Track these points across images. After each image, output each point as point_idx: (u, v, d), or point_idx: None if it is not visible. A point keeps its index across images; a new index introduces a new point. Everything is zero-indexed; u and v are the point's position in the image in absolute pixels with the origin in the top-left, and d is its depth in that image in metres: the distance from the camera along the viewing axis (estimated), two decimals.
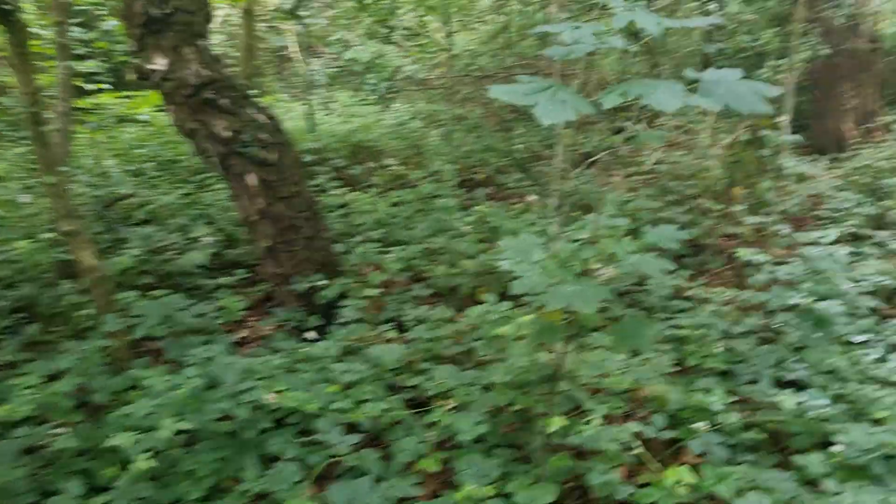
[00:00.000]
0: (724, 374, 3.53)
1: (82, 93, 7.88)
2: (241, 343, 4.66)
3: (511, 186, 8.20)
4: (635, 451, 2.73)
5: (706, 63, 9.55)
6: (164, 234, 4.74)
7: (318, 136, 9.12)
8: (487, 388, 3.24)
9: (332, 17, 16.72)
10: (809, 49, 8.38)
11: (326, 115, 12.25)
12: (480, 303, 4.96)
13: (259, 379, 3.48)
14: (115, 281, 4.17)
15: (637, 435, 2.78)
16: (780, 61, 10.28)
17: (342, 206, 6.35)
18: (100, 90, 8.27)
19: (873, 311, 4.05)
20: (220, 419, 3.05)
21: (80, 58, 8.03)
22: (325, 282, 4.44)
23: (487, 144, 9.08)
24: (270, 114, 4.39)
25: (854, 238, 5.57)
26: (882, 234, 5.55)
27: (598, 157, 8.43)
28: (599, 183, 7.00)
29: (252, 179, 4.27)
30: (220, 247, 5.47)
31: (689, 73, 2.03)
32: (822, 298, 3.66)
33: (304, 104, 11.00)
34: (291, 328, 4.46)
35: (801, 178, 5.19)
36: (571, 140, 8.08)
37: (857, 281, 4.09)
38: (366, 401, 3.33)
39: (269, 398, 3.10)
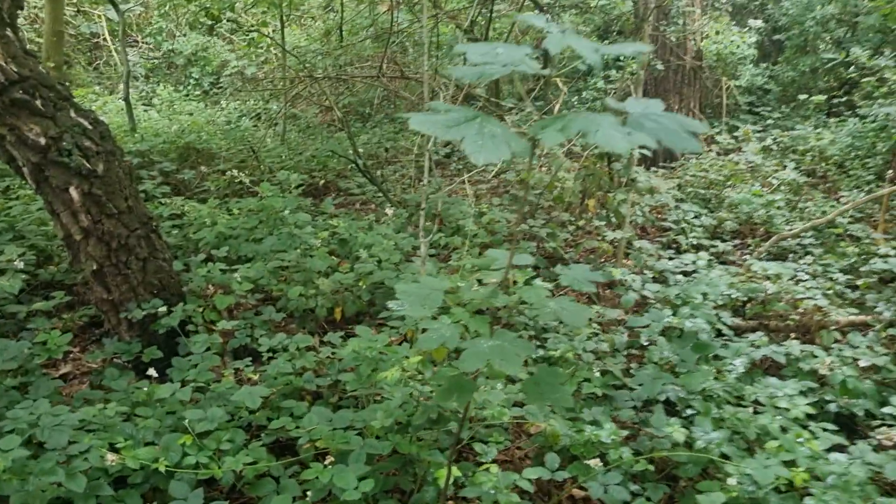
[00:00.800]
0: (604, 399, 3.45)
1: None
2: (63, 379, 4.04)
3: (355, 193, 7.89)
4: None
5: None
6: None
7: (141, 135, 8.32)
8: (363, 431, 2.94)
9: (149, 4, 15.55)
10: (642, 63, 8.71)
11: (147, 111, 11.30)
12: (337, 323, 4.66)
13: (92, 430, 2.98)
14: None
15: (535, 482, 2.59)
16: (612, 72, 10.69)
17: (176, 216, 5.76)
18: None
19: (728, 326, 4.16)
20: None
21: None
22: (164, 308, 3.93)
23: (329, 147, 8.69)
24: (95, 118, 3.81)
25: (697, 248, 5.79)
26: (721, 245, 5.80)
27: (443, 162, 8.32)
28: (449, 192, 6.85)
29: (75, 193, 3.69)
30: (31, 266, 4.75)
31: (611, 103, 1.84)
32: (688, 316, 3.68)
33: (121, 98, 10.04)
34: (125, 362, 3.92)
35: (650, 190, 5.30)
36: (417, 146, 7.90)
37: (711, 296, 4.17)
38: (224, 451, 2.93)
39: (109, 459, 2.62)
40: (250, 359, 3.68)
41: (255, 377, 3.44)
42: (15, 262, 3.95)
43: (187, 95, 13.20)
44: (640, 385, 3.37)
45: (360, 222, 5.94)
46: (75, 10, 14.27)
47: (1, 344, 3.37)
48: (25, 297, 4.66)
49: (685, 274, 5.05)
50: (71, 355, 4.33)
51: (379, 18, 11.86)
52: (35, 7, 12.98)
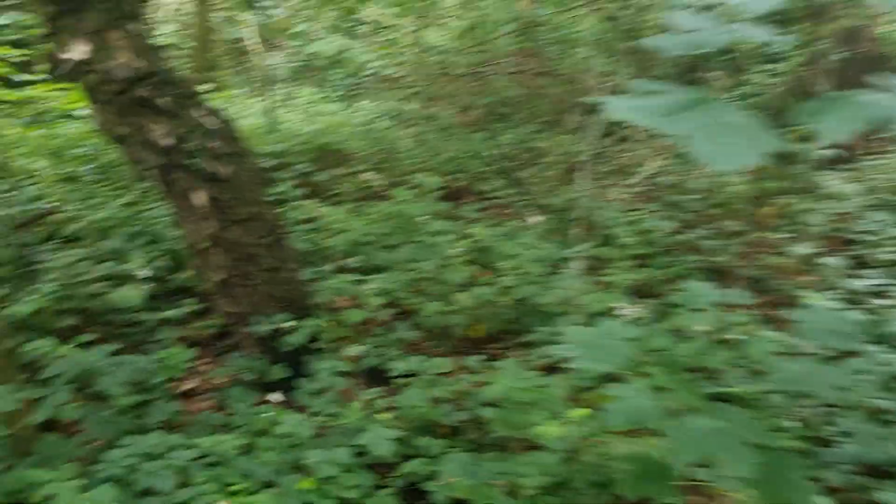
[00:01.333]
0: (803, 455, 2.80)
1: (10, 84, 6.93)
2: (187, 396, 3.83)
3: (495, 196, 7.43)
4: None
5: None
6: (90, 264, 3.86)
7: (279, 136, 8.24)
8: (511, 487, 2.46)
9: (292, 9, 15.80)
10: (813, 52, 7.77)
11: (288, 112, 11.33)
12: (478, 342, 4.22)
13: (209, 464, 2.68)
14: (20, 329, 3.30)
15: None
16: (773, 66, 9.68)
17: (309, 220, 5.51)
18: (31, 82, 7.33)
19: None
20: None
21: (13, 45, 7.10)
22: (291, 323, 3.62)
23: (470, 148, 8.29)
24: (223, 117, 3.54)
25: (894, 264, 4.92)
26: None
27: (588, 163, 7.71)
28: (597, 196, 6.26)
29: (200, 198, 3.43)
30: (164, 271, 4.59)
31: None
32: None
33: (263, 100, 10.10)
34: (250, 381, 3.63)
35: (839, 196, 4.53)
36: (564, 146, 7.37)
37: None
38: (349, 500, 2.54)
39: None
40: (380, 389, 3.29)
41: (387, 417, 3.02)
42: (139, 272, 3.76)
43: (327, 97, 13.25)
44: (852, 440, 2.70)
45: (500, 228, 5.47)
46: (223, 16, 14.67)
47: (125, 360, 3.14)
48: (157, 303, 4.51)
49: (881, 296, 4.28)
50: (198, 368, 4.12)
51: (520, 14, 11.39)
52: (186, 14, 13.39)
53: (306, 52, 15.27)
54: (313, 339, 3.73)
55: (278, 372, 3.56)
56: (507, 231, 5.41)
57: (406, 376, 3.41)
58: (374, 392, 3.21)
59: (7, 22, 7.58)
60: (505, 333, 4.33)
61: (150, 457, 2.35)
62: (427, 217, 4.96)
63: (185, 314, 4.23)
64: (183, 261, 4.90)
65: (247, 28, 14.78)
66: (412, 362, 3.46)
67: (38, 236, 4.34)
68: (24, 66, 7.16)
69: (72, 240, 4.65)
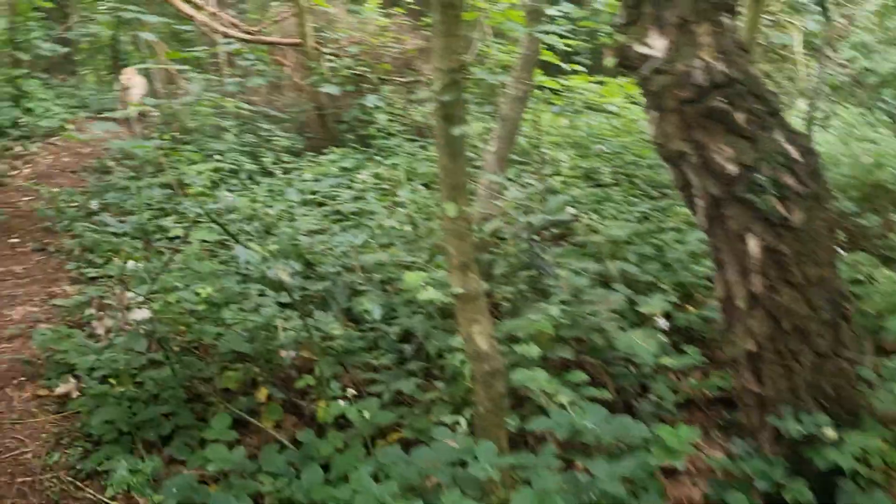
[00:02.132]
0: None
1: (558, 72, 7.07)
2: (669, 474, 3.14)
3: None
4: None
5: None
6: (603, 292, 3.39)
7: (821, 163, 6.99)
8: None
9: (852, 17, 13.89)
10: None
11: (825, 134, 9.83)
12: None
13: None
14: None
15: None
16: None
17: (857, 281, 4.35)
18: (573, 71, 7.40)
19: None
20: None
21: (563, 36, 7.25)
22: (833, 433, 2.66)
23: None
24: (808, 147, 2.69)
25: None
26: None
27: None
28: None
29: (753, 245, 2.65)
30: (670, 304, 3.96)
31: None
32: None
33: (800, 117, 8.81)
34: (760, 489, 2.78)
35: None
36: None
37: None
38: None
39: None
40: None
41: None
42: (659, 321, 3.14)
43: (875, 121, 11.28)
44: None
45: None
46: (771, 19, 13.51)
47: (619, 424, 2.56)
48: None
49: None
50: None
51: None
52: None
53: (858, 66, 13.30)
54: (856, 459, 2.72)
55: (801, 492, 2.65)
56: None
57: None
58: None
59: (560, 14, 7.71)
60: None
61: None
62: None
63: (685, 365, 3.55)
64: (693, 298, 4.22)
65: (794, 34, 13.41)
66: None
67: (550, 241, 4.06)
68: (565, 56, 7.25)
69: (581, 246, 4.29)
